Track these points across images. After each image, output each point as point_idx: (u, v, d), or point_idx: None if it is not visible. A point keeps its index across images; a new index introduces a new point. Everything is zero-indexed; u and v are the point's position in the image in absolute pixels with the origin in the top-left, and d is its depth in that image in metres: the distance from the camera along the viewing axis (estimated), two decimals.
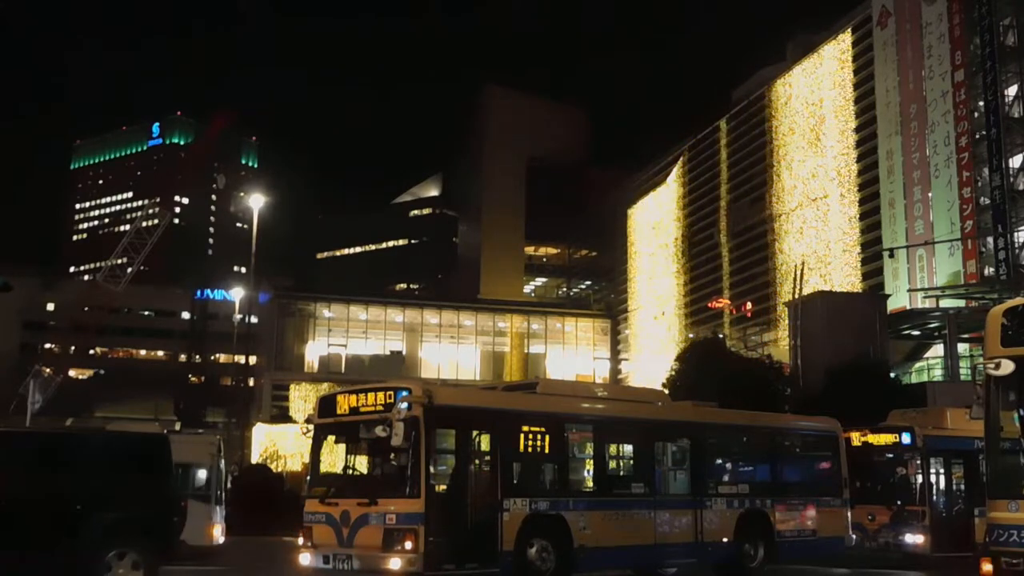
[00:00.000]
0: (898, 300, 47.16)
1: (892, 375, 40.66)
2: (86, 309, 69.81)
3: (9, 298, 71.08)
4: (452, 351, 75.52)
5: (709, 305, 67.57)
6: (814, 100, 58.29)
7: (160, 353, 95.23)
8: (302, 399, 64.45)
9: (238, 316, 58.89)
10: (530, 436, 14.96)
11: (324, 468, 15.10)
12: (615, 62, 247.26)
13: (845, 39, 56.11)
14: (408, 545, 12.84)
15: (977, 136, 43.97)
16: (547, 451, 15.23)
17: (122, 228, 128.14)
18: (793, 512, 18.21)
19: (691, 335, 66.29)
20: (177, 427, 36.74)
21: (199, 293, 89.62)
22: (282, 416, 62.20)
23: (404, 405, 13.11)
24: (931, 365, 48.28)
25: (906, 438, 20.68)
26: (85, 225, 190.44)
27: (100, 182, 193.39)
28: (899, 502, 20.59)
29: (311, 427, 15.06)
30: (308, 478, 15.71)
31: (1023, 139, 42.77)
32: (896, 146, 49.77)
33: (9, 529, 12.21)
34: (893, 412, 22.84)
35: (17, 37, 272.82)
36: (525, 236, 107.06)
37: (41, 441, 14.95)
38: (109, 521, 12.90)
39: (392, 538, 12.99)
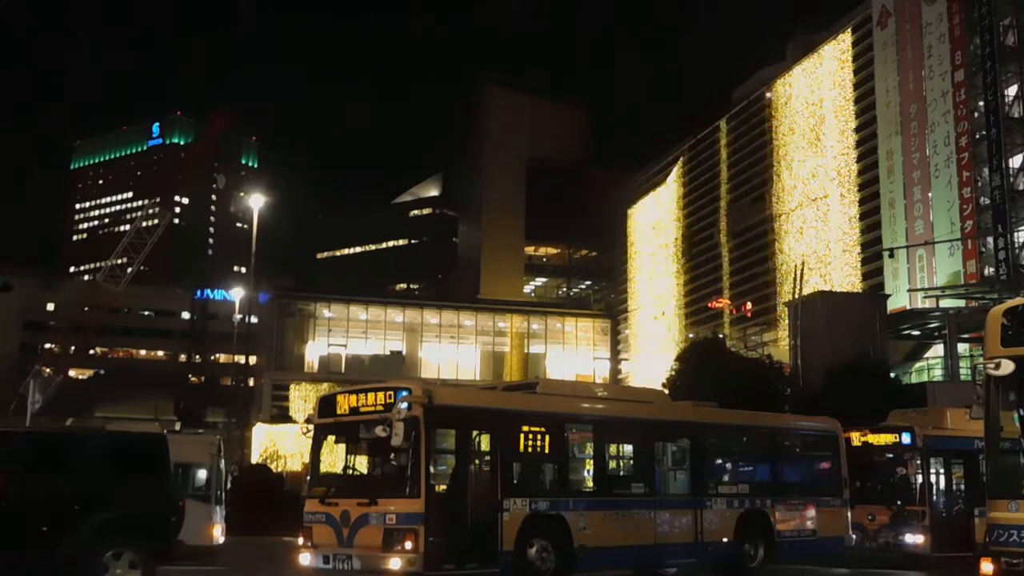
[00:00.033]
0: (898, 300, 47.16)
1: (892, 375, 40.67)
2: (86, 309, 69.84)
3: (9, 298, 71.07)
4: (452, 351, 75.52)
5: (709, 305, 67.59)
6: (814, 100, 58.30)
7: (160, 353, 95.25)
8: (302, 399, 64.45)
9: (238, 316, 58.89)
10: (530, 436, 14.96)
11: (324, 468, 15.10)
12: (615, 62, 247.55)
13: (845, 39, 56.12)
14: (408, 545, 12.84)
15: (977, 136, 43.98)
16: (547, 451, 15.23)
17: (122, 228, 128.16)
18: (793, 512, 18.20)
19: (691, 335, 66.28)
20: (177, 427, 36.80)
21: (199, 293, 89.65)
22: (282, 416, 62.20)
23: (404, 405, 13.10)
24: (931, 365, 48.28)
25: (906, 438, 20.67)
26: (85, 225, 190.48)
27: (100, 182, 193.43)
28: (899, 502, 20.58)
29: (311, 427, 15.05)
30: (308, 478, 15.70)
31: (1023, 139, 42.77)
32: (896, 146, 49.77)
33: (4, 529, 12.19)
34: (893, 412, 22.83)
35: (17, 37, 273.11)
36: (525, 236, 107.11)
37: (37, 441, 14.92)
38: (106, 521, 12.86)
39: (392, 538, 12.98)
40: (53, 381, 56.77)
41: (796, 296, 49.69)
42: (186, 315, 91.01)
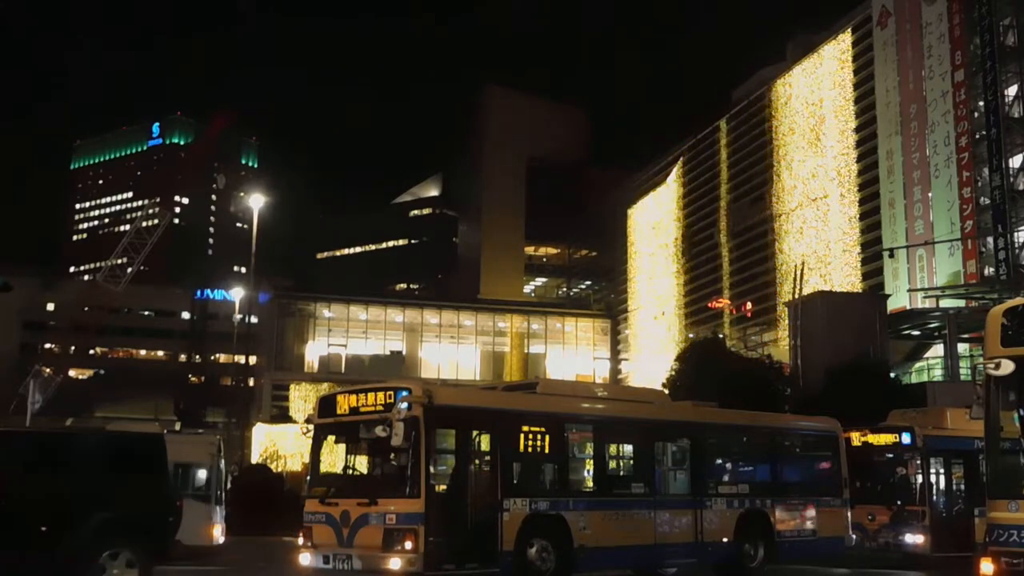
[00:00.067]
0: (898, 300, 47.16)
1: (892, 375, 40.66)
2: (86, 309, 69.84)
3: (9, 298, 71.04)
4: (452, 351, 75.52)
5: (709, 305, 67.58)
6: (814, 100, 58.31)
7: (160, 353, 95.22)
8: (302, 399, 64.47)
9: (238, 316, 58.89)
10: (530, 436, 14.96)
11: (324, 468, 15.09)
12: (615, 62, 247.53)
13: (845, 39, 56.13)
14: (408, 545, 12.84)
15: (977, 136, 43.98)
16: (547, 451, 15.23)
17: (122, 228, 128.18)
18: (793, 512, 18.20)
19: (691, 335, 66.27)
20: (177, 427, 36.85)
21: (199, 293, 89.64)
22: (282, 416, 62.22)
23: (404, 405, 13.10)
24: (931, 365, 48.28)
25: (906, 438, 20.66)
26: (85, 225, 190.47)
27: (100, 182, 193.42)
28: (899, 502, 20.57)
29: (311, 427, 15.05)
30: (308, 478, 15.70)
31: (1023, 139, 42.77)
32: (896, 146, 49.78)
33: (4, 529, 12.18)
34: (893, 412, 22.82)
35: (17, 37, 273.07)
36: (525, 236, 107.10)
37: (36, 441, 14.91)
38: (103, 521, 12.82)
39: (392, 538, 12.98)
40: (53, 381, 56.76)
41: (796, 296, 49.69)
42: (186, 315, 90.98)
